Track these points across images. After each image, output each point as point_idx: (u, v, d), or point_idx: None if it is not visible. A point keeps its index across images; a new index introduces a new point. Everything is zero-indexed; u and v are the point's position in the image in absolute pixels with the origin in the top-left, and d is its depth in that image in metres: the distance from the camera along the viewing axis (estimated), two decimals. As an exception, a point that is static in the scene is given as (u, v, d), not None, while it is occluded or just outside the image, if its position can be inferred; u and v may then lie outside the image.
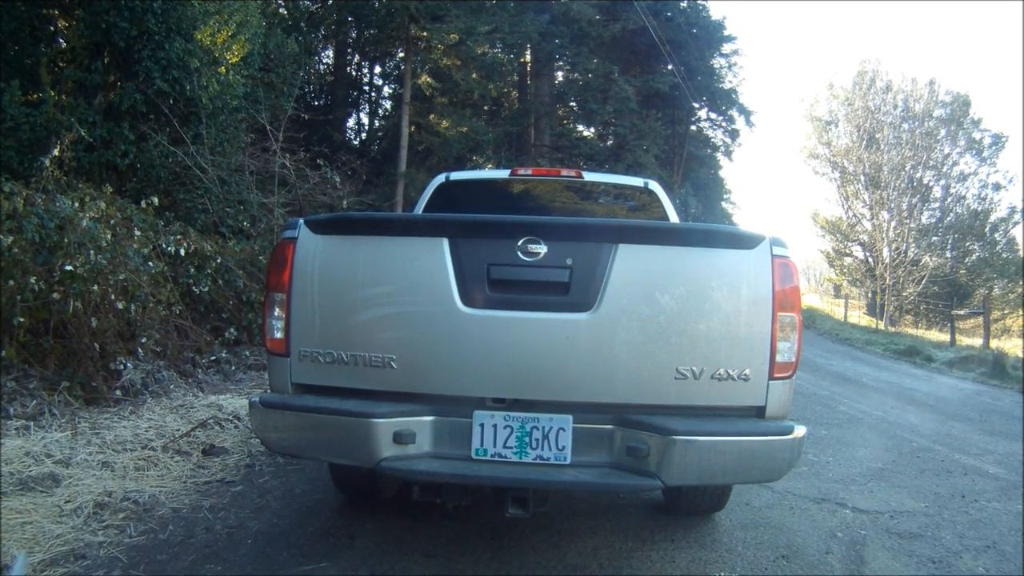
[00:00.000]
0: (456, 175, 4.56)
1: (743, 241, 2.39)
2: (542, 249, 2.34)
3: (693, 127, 24.28)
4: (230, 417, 4.70)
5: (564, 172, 4.79)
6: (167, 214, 7.63)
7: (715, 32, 22.13)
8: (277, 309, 2.47)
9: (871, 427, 6.08)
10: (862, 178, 27.33)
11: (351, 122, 19.32)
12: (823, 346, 16.14)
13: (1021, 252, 26.61)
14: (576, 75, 20.02)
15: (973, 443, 5.65)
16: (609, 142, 20.35)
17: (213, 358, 6.25)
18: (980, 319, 19.42)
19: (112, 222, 5.64)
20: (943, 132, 25.91)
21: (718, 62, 22.94)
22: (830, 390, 8.38)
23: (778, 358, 2.35)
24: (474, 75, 16.20)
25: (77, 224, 4.87)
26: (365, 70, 19.26)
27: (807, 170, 38.73)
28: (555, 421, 2.33)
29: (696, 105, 22.89)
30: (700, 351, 2.31)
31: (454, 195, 4.39)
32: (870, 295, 28.13)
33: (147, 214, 6.61)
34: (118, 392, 4.83)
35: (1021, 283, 25.00)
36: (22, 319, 4.50)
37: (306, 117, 12.60)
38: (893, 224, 26.07)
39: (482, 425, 2.34)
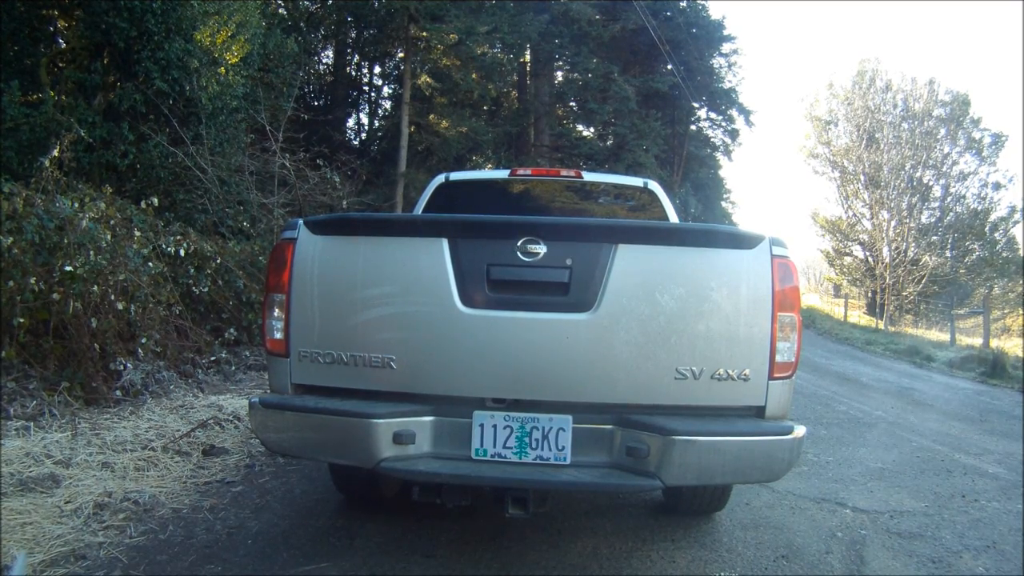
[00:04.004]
0: (456, 175, 4.56)
1: (743, 241, 2.39)
2: (541, 249, 2.34)
3: (693, 127, 24.28)
4: (230, 417, 4.70)
5: (564, 172, 4.78)
6: (167, 214, 7.63)
7: (715, 32, 22.13)
8: (277, 310, 2.47)
9: (871, 427, 6.08)
10: (862, 177, 27.30)
11: (351, 122, 19.37)
12: (823, 346, 16.14)
13: (1021, 251, 26.61)
14: (576, 75, 20.03)
15: (973, 443, 5.65)
16: (609, 142, 20.35)
17: (213, 358, 6.25)
18: (980, 319, 19.40)
19: (112, 223, 5.64)
20: (943, 131, 25.88)
21: (718, 62, 22.95)
22: (830, 390, 8.38)
23: (778, 358, 2.35)
24: (474, 75, 16.20)
25: (77, 225, 4.87)
26: (365, 70, 19.29)
27: (807, 170, 38.78)
28: (555, 421, 2.33)
29: (696, 105, 22.91)
30: (700, 351, 2.31)
31: (454, 195, 4.39)
32: (870, 295, 28.10)
33: (147, 215, 6.61)
34: (118, 392, 4.83)
35: (1021, 283, 24.99)
36: (22, 319, 4.50)
37: (306, 117, 12.61)
38: (893, 223, 26.05)
39: (482, 425, 2.34)
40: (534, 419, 2.34)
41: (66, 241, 4.79)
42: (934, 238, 25.76)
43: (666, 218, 4.32)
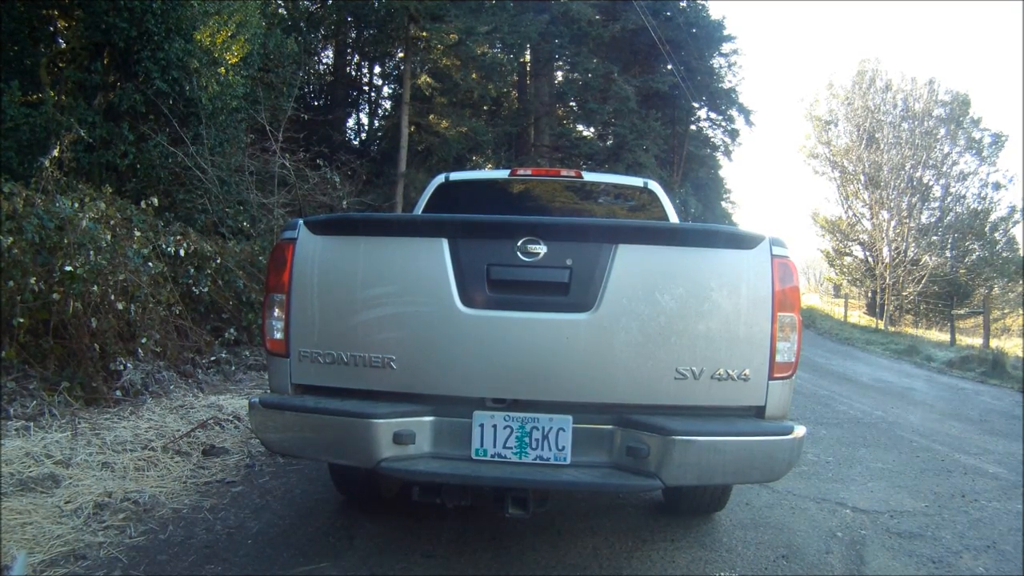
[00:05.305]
0: (456, 175, 4.56)
1: (743, 241, 2.39)
2: (542, 249, 2.34)
3: (693, 127, 24.30)
4: (230, 417, 4.70)
5: (564, 172, 4.79)
6: (167, 214, 7.63)
7: (715, 32, 22.14)
8: (277, 310, 2.47)
9: (871, 427, 6.08)
10: (862, 177, 27.30)
11: (351, 122, 19.38)
12: (823, 346, 16.13)
13: (1021, 251, 26.59)
14: (576, 75, 20.04)
15: (973, 443, 5.65)
16: (609, 142, 20.35)
17: (213, 358, 6.25)
18: (980, 319, 19.41)
19: (112, 222, 5.65)
20: (943, 131, 25.87)
21: (718, 62, 22.97)
22: (830, 390, 8.37)
23: (778, 358, 2.35)
24: (474, 75, 16.21)
25: (77, 225, 4.87)
26: (365, 70, 19.30)
27: (807, 170, 38.80)
28: (555, 421, 2.33)
29: (696, 105, 22.91)
30: (700, 351, 2.31)
31: (454, 195, 4.40)
32: (870, 295, 28.10)
33: (147, 215, 6.61)
34: (118, 392, 4.83)
35: (1021, 283, 24.99)
36: (22, 319, 4.50)
37: (306, 117, 12.60)
38: (893, 223, 26.03)
39: (482, 425, 2.34)
40: (534, 419, 2.34)
41: (66, 241, 4.79)
42: (934, 238, 25.75)
43: (666, 218, 4.32)
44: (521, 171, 4.57)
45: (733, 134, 24.34)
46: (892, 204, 25.92)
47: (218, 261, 6.91)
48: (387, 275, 2.41)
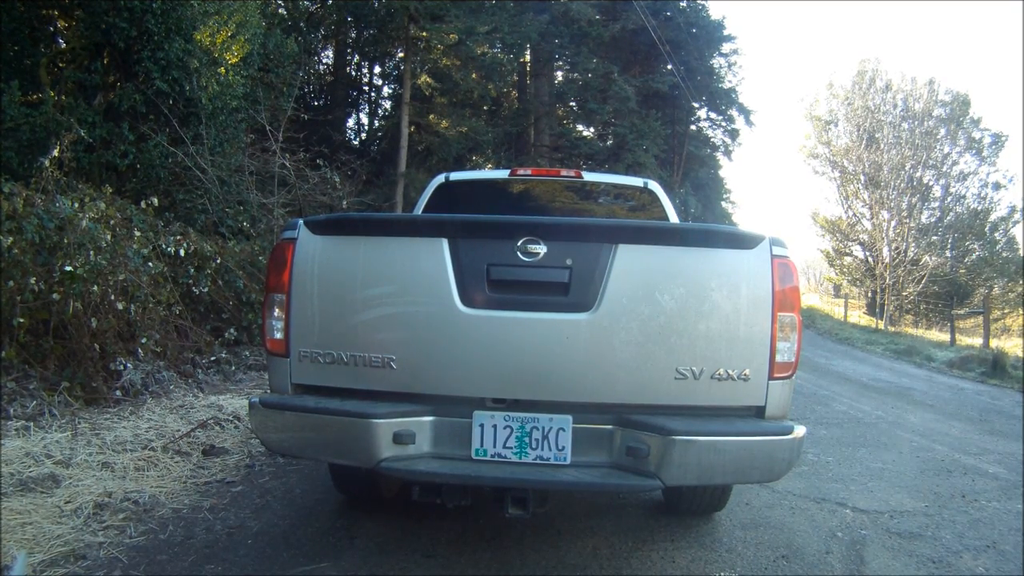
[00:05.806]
0: (456, 175, 4.56)
1: (742, 241, 2.39)
2: (542, 249, 2.34)
3: (693, 127, 24.28)
4: (230, 417, 4.70)
5: (564, 172, 4.79)
6: (167, 214, 7.63)
7: (715, 32, 22.13)
8: (277, 310, 2.47)
9: (871, 427, 6.08)
10: (862, 177, 27.31)
11: (351, 122, 19.39)
12: (823, 346, 16.13)
13: (1021, 251, 26.63)
14: (576, 75, 20.04)
15: (973, 443, 5.65)
16: (609, 142, 20.35)
17: (213, 358, 6.25)
18: (980, 319, 19.42)
19: (112, 223, 5.64)
20: (943, 131, 25.89)
21: (718, 62, 22.96)
22: (830, 390, 8.37)
23: (778, 358, 2.35)
24: (474, 75, 16.21)
25: (77, 225, 4.87)
26: (365, 70, 19.31)
27: (807, 170, 38.78)
28: (555, 421, 2.33)
29: (696, 105, 22.91)
30: (700, 351, 2.31)
31: (454, 195, 4.40)
32: (870, 295, 28.11)
33: (147, 215, 6.61)
34: (118, 392, 4.83)
35: (1021, 282, 25.00)
36: (22, 319, 4.50)
37: (306, 117, 12.61)
38: (893, 223, 26.04)
39: (482, 425, 2.34)
40: (534, 419, 2.34)
41: (66, 241, 4.79)
42: (934, 238, 25.76)
43: (666, 218, 4.32)
44: (521, 171, 4.57)
45: (733, 134, 24.34)
46: (892, 204, 25.92)
47: (218, 261, 6.91)
48: (387, 275, 2.41)
